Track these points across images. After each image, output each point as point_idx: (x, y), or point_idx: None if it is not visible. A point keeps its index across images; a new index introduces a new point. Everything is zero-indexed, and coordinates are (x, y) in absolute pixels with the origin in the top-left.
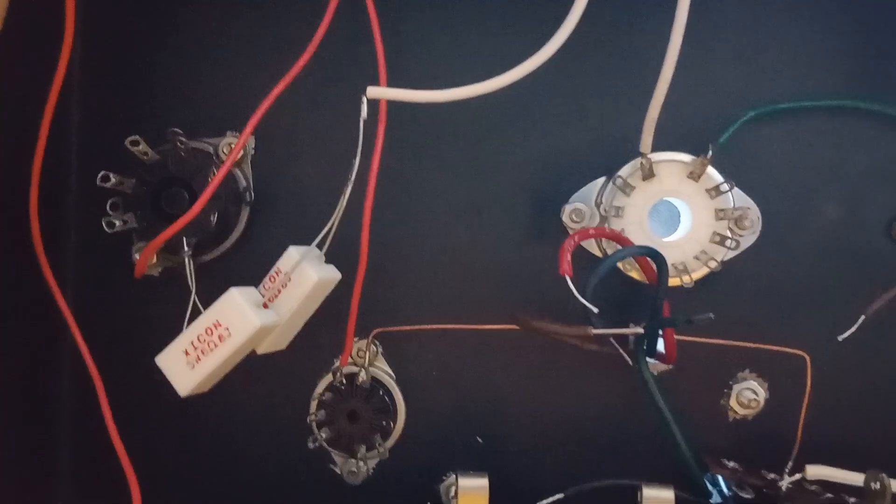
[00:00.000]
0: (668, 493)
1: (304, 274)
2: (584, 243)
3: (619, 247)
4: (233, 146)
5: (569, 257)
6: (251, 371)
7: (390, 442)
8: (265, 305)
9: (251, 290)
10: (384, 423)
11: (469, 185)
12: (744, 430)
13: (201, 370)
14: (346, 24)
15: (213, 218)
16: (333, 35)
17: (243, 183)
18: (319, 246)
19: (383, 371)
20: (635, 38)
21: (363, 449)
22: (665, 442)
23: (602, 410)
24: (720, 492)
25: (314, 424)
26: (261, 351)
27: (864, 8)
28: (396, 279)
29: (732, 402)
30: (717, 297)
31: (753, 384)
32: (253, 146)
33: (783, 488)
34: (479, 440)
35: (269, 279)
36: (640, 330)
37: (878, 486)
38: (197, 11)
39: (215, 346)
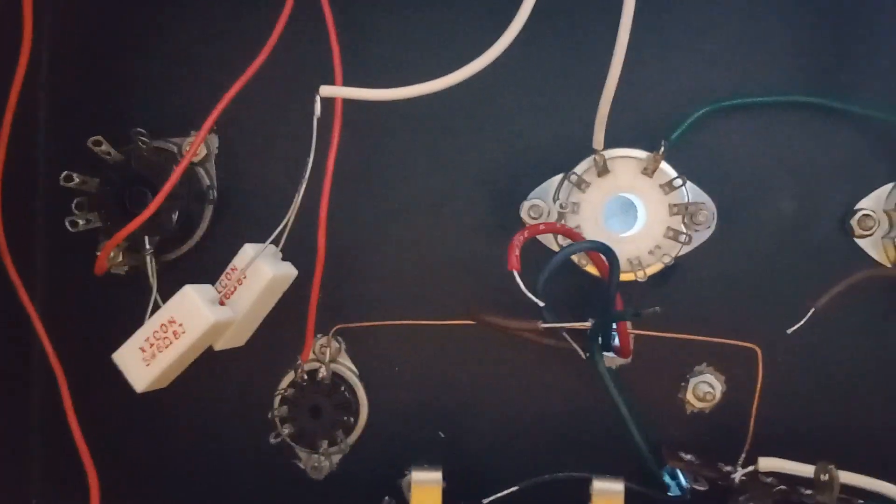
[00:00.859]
0: (618, 486)
1: (259, 271)
2: (543, 240)
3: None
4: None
5: (517, 252)
6: (215, 368)
7: (353, 437)
8: (221, 302)
9: (207, 287)
10: (346, 418)
11: (429, 182)
12: (701, 423)
13: (157, 366)
14: (305, 24)
15: (175, 216)
16: (293, 35)
17: (206, 182)
18: (276, 243)
19: (346, 367)
20: (588, 38)
21: (325, 444)
22: (623, 435)
23: (562, 404)
24: (678, 484)
25: (277, 420)
26: (218, 347)
27: (816, 4)
28: (357, 276)
29: (689, 396)
30: (673, 291)
31: (710, 378)
32: (216, 146)
33: (736, 480)
34: (441, 435)
35: (226, 276)
36: (588, 324)
37: (826, 477)
38: (161, 13)
39: (170, 342)
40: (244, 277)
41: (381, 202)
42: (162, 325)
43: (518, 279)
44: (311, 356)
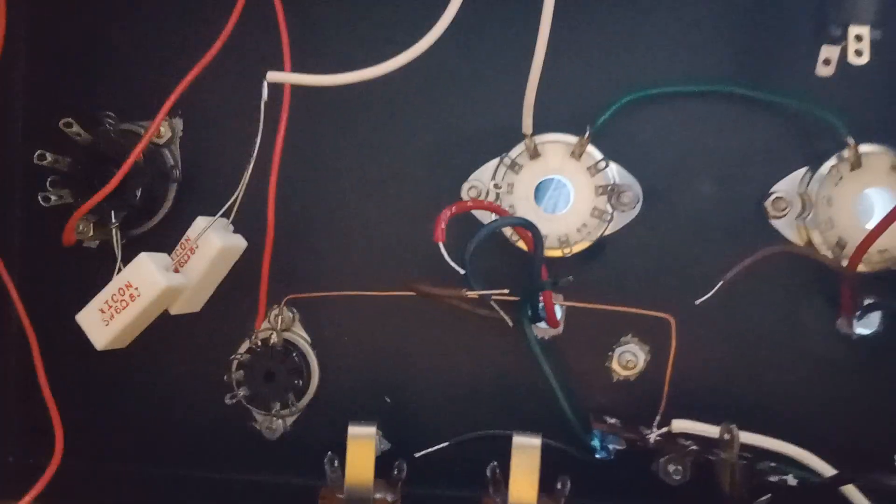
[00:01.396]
0: (536, 441)
1: (209, 241)
2: (480, 216)
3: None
4: (160, 129)
5: (443, 226)
6: (176, 333)
7: (304, 400)
8: (176, 270)
9: (163, 256)
10: (297, 382)
11: (376, 163)
12: (627, 390)
13: (115, 326)
14: (259, 13)
15: (138, 193)
16: (247, 24)
17: (170, 162)
18: (226, 216)
19: (299, 336)
20: (520, 28)
21: (277, 406)
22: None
23: (498, 370)
24: (604, 447)
25: (234, 382)
26: (174, 311)
27: None
28: (309, 250)
29: (614, 364)
30: (600, 266)
31: (634, 347)
32: (181, 129)
33: (651, 441)
34: (388, 400)
35: (180, 246)
36: (505, 291)
37: (728, 436)
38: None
39: (127, 304)
40: (196, 247)
41: (330, 181)
42: (119, 289)
43: (443, 249)
44: (267, 325)
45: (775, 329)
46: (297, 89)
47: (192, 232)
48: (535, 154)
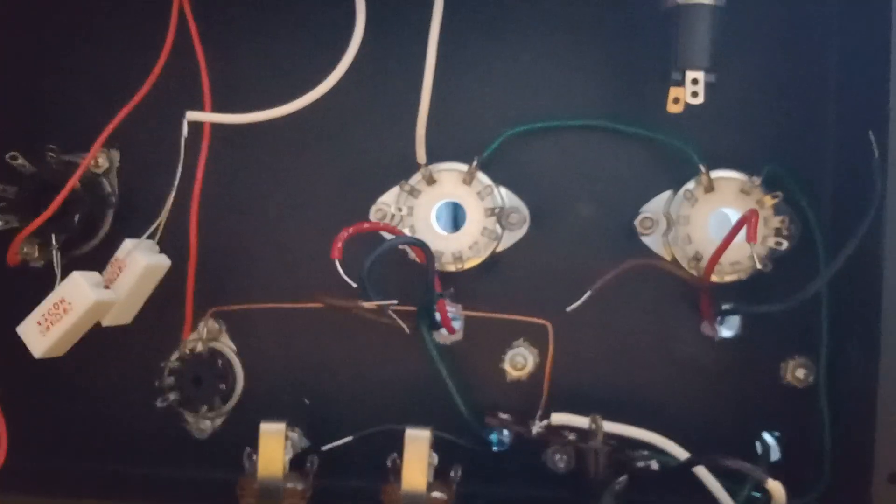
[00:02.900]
0: (426, 433)
1: (135, 260)
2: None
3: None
4: (98, 160)
5: (340, 245)
6: (112, 343)
7: (231, 403)
8: (106, 286)
9: (94, 274)
10: (222, 386)
11: (293, 189)
12: (520, 389)
13: (51, 336)
14: (185, 55)
15: (76, 218)
16: (175, 64)
17: (108, 189)
18: (152, 238)
19: (225, 345)
20: (417, 67)
21: (205, 408)
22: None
23: (403, 373)
24: (499, 440)
25: (165, 387)
26: (105, 323)
27: (610, 42)
28: (232, 267)
29: (507, 366)
30: (493, 279)
31: (524, 351)
32: (118, 159)
33: (534, 433)
34: (307, 401)
35: (110, 265)
36: (395, 301)
37: (594, 425)
38: (69, 43)
39: (61, 317)
40: (124, 266)
41: (251, 206)
42: (55, 303)
43: (338, 266)
44: (196, 335)
45: (644, 332)
46: (216, 124)
47: (120, 252)
48: (431, 181)
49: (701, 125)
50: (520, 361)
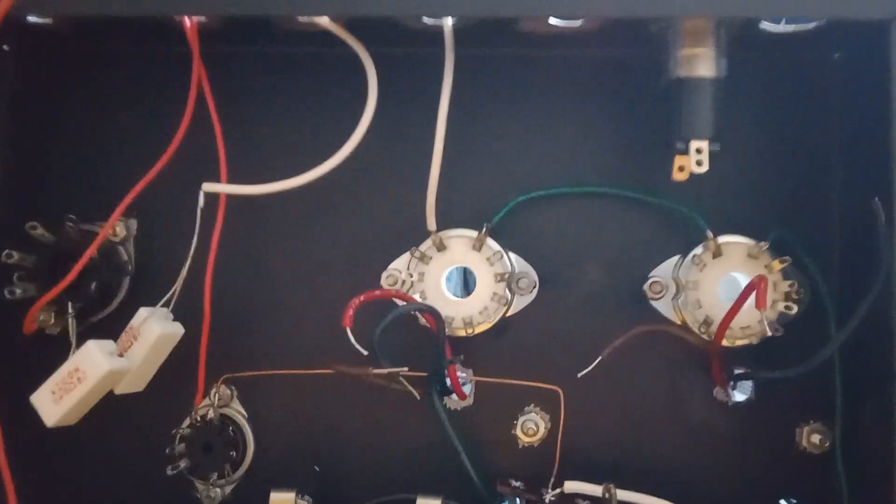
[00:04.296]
0: (436, 501)
1: (149, 328)
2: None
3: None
4: (116, 229)
5: (351, 312)
6: (125, 412)
7: (241, 470)
8: (120, 354)
9: (108, 342)
10: (233, 454)
11: (305, 257)
12: (532, 455)
13: (64, 405)
14: (202, 128)
15: (93, 286)
16: (194, 135)
17: (125, 257)
18: (167, 306)
19: (237, 411)
20: (426, 138)
21: (215, 476)
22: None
23: (416, 439)
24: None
25: (176, 454)
26: (118, 391)
27: (616, 112)
28: (244, 335)
29: (519, 432)
30: (503, 344)
31: (535, 417)
32: (136, 228)
33: (547, 501)
34: (317, 469)
35: (124, 334)
36: (405, 368)
37: (608, 494)
38: (90, 114)
39: (74, 386)
40: (138, 334)
41: (263, 274)
42: (69, 372)
43: (349, 333)
44: (207, 402)
45: (656, 398)
46: (232, 195)
47: (135, 321)
48: (441, 247)
49: (706, 192)
50: (531, 427)
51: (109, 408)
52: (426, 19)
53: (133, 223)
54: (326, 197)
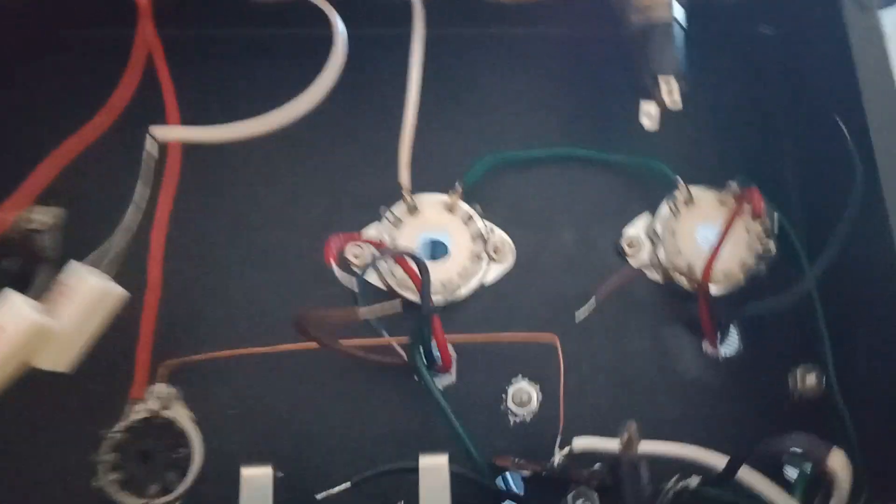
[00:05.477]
0: (443, 459)
1: (83, 280)
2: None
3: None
4: (35, 216)
5: (333, 251)
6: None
7: (188, 479)
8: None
9: (30, 300)
10: (178, 461)
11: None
12: (524, 431)
13: None
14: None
15: None
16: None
17: (44, 244)
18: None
19: (180, 414)
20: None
21: (154, 489)
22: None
23: (396, 423)
24: (514, 485)
25: (103, 462)
26: (41, 364)
27: (580, 79)
28: (193, 314)
29: (511, 405)
30: (486, 308)
31: (525, 385)
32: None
33: (555, 464)
34: (280, 475)
35: (50, 292)
36: (399, 301)
37: (628, 435)
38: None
39: None
40: (68, 289)
41: (215, 244)
42: None
43: (335, 268)
44: (146, 401)
45: (649, 357)
46: (187, 156)
47: (64, 275)
48: (413, 209)
49: (674, 141)
50: (523, 397)
51: (23, 399)
52: None
53: (59, 211)
54: (292, 156)
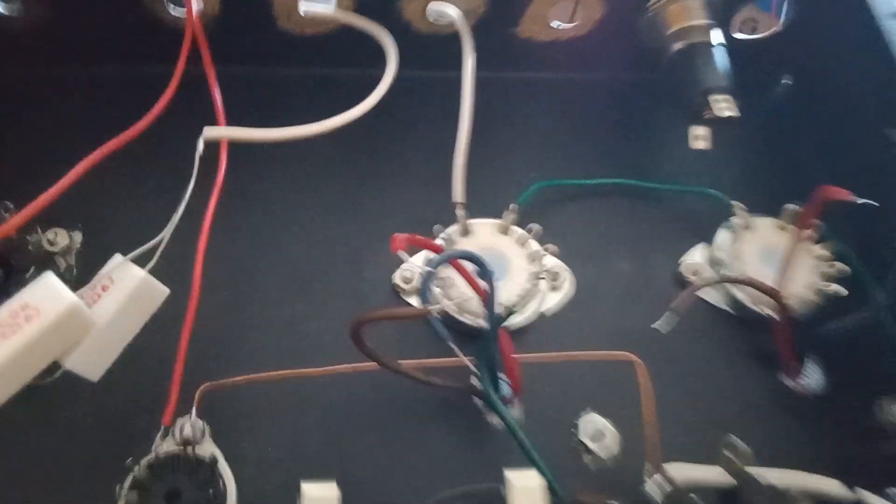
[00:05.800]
0: (532, 473)
1: (129, 272)
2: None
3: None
4: (54, 238)
5: (401, 244)
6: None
7: None
8: None
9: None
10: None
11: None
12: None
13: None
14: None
15: None
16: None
17: (61, 267)
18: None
19: (212, 450)
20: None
21: None
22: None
23: (448, 454)
24: None
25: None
26: (69, 364)
27: (625, 113)
28: (229, 338)
29: (583, 437)
30: (547, 337)
31: (595, 417)
32: (80, 241)
33: (647, 489)
34: None
35: (88, 287)
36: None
37: (728, 452)
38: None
39: (20, 327)
40: (111, 282)
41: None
42: (15, 309)
43: (405, 256)
44: (174, 437)
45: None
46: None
47: (107, 268)
48: (466, 232)
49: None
50: (595, 431)
51: (35, 418)
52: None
53: (77, 235)
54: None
